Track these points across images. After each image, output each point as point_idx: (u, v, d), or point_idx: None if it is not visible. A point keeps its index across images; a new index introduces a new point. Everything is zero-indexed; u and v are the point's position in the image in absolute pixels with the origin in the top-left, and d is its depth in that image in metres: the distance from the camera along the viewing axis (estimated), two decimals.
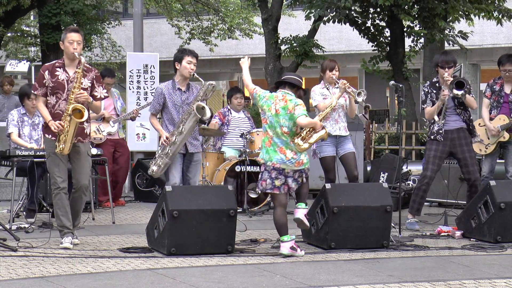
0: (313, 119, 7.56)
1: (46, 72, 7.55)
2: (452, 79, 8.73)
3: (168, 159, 8.06)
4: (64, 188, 7.58)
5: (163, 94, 8.17)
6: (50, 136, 7.55)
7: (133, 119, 11.09)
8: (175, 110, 8.15)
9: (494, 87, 9.59)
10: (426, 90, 9.00)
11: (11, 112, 9.60)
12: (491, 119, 9.60)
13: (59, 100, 7.52)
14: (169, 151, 8.03)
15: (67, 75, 7.54)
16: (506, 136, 9.49)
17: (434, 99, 8.92)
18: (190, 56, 8.13)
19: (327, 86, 8.99)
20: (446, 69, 8.82)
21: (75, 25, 17.12)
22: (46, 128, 7.58)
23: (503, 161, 9.78)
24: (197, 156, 8.28)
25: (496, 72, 10.01)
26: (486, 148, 9.59)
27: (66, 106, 7.47)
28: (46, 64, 7.79)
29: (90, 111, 7.76)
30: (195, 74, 8.09)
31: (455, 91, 8.69)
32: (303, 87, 7.76)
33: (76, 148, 7.58)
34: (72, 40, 7.51)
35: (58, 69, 7.56)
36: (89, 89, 7.57)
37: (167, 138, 8.03)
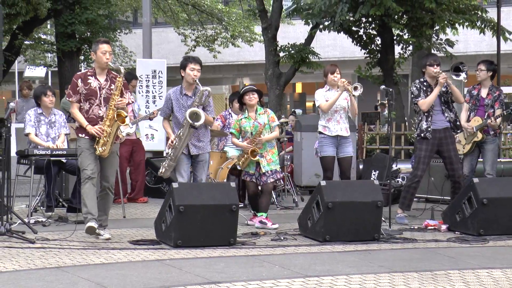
0: (240, 143, 8.79)
1: (79, 80, 7.57)
2: (443, 74, 8.73)
3: (171, 162, 8.06)
4: (94, 178, 7.47)
5: (171, 100, 8.16)
6: (84, 135, 7.54)
7: (151, 118, 11.07)
8: (181, 115, 8.11)
9: (473, 92, 9.61)
10: (418, 86, 8.98)
11: (27, 112, 9.43)
12: (468, 121, 9.68)
13: (92, 106, 7.54)
14: (172, 153, 8.04)
15: (99, 82, 7.57)
16: (479, 136, 9.56)
17: (428, 93, 8.89)
18: (193, 63, 8.10)
19: (330, 89, 9.05)
20: (435, 66, 8.85)
21: (88, 34, 17.15)
22: (80, 129, 7.57)
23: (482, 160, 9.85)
24: (202, 157, 8.18)
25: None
26: (463, 148, 9.65)
27: (99, 111, 7.52)
28: (78, 73, 7.79)
29: None
30: (197, 80, 8.07)
31: (456, 78, 8.73)
32: (263, 93, 9.04)
33: None
34: (104, 51, 7.54)
35: (90, 77, 7.59)
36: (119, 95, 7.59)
37: (171, 141, 8.04)
